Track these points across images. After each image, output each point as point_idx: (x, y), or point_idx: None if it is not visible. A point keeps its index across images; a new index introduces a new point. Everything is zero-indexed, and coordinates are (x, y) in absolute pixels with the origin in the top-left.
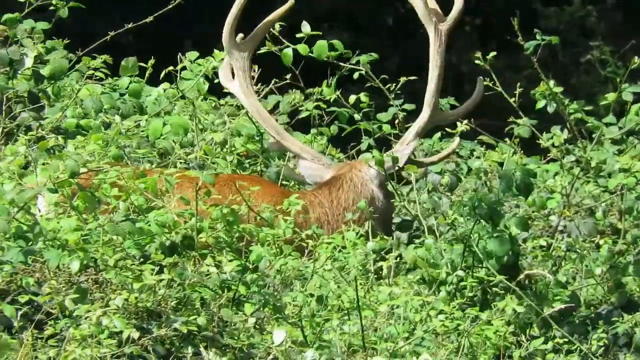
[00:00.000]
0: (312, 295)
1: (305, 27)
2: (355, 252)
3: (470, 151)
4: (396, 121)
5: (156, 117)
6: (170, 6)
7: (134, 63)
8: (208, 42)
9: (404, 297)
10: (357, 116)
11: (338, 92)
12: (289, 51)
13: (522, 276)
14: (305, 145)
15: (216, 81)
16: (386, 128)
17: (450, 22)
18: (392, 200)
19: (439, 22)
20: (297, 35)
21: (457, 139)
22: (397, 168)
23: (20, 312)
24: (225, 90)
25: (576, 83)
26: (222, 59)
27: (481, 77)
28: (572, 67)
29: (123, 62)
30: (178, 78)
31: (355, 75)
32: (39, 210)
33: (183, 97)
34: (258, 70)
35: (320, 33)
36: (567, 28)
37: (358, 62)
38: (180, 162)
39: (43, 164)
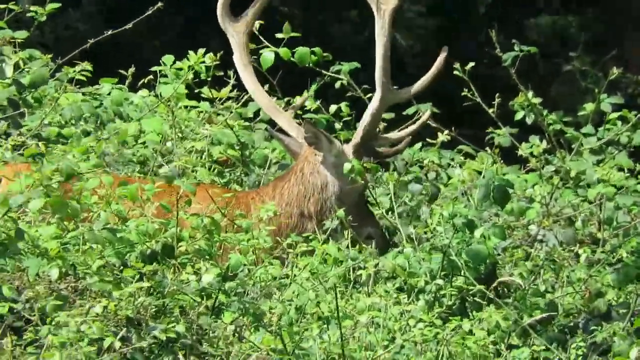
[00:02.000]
0: (290, 303)
1: (287, 28)
2: (336, 264)
3: (450, 160)
4: (377, 129)
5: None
6: (149, 12)
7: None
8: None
9: (384, 305)
10: (337, 125)
11: (318, 102)
12: (269, 55)
13: (495, 284)
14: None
15: (196, 90)
16: None
17: (396, 1)
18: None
19: (383, 2)
20: (278, 36)
21: (428, 112)
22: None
23: None
24: (203, 95)
25: (556, 94)
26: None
27: (445, 47)
28: (552, 78)
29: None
30: (157, 83)
31: (337, 85)
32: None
33: (163, 102)
34: (234, 76)
35: (300, 35)
36: (547, 39)
37: (339, 72)
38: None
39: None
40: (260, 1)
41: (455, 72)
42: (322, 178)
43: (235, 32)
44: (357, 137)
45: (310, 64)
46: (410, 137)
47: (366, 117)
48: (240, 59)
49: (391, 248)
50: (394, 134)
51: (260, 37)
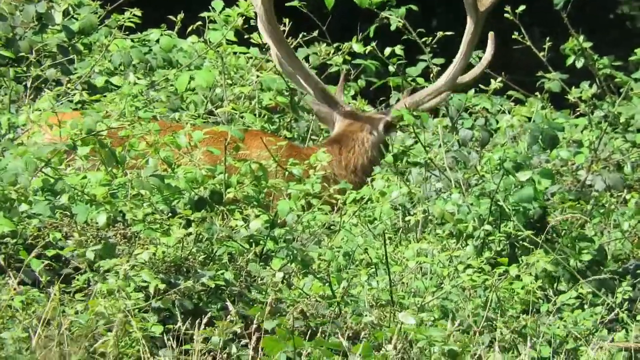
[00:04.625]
0: (339, 250)
1: None
2: (384, 203)
3: (500, 106)
4: (431, 75)
5: (184, 70)
6: None
7: None
8: None
9: (432, 250)
10: (391, 68)
11: (374, 44)
12: None
13: (553, 222)
14: (319, 82)
15: (246, 36)
16: (420, 81)
17: (491, 6)
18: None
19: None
20: None
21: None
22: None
23: (46, 267)
24: (253, 41)
25: (605, 38)
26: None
27: (492, 33)
28: (603, 22)
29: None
30: (206, 30)
31: (393, 27)
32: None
33: (212, 48)
34: (289, 24)
35: None
36: None
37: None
38: (209, 117)
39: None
40: None
41: (506, 15)
42: (375, 151)
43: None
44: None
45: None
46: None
47: (421, 95)
48: (260, 18)
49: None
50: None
51: None
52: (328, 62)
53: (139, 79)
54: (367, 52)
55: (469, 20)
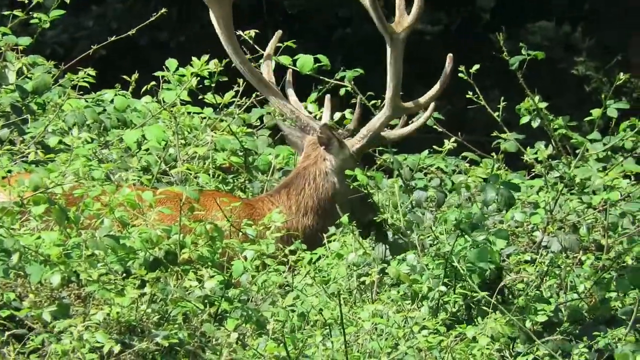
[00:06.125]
0: (293, 310)
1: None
2: (339, 265)
3: (455, 167)
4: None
5: (135, 129)
6: (153, 19)
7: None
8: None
9: (388, 311)
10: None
11: (321, 110)
12: (308, 58)
13: (503, 283)
14: (286, 105)
15: (200, 96)
16: None
17: (407, 29)
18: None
19: (395, 30)
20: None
21: (432, 106)
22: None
23: (0, 327)
24: (207, 101)
25: (560, 99)
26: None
27: (450, 55)
28: (556, 83)
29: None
30: (160, 89)
31: (341, 92)
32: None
33: (165, 108)
34: (243, 84)
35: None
36: (552, 44)
37: (343, 78)
38: (163, 177)
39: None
40: None
41: (460, 75)
42: (331, 186)
43: (219, 6)
44: (362, 141)
45: (313, 72)
46: (416, 127)
47: (373, 124)
48: (225, 36)
49: (403, 249)
50: (398, 131)
51: (257, 48)
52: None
53: (92, 139)
54: (315, 116)
55: (387, 48)
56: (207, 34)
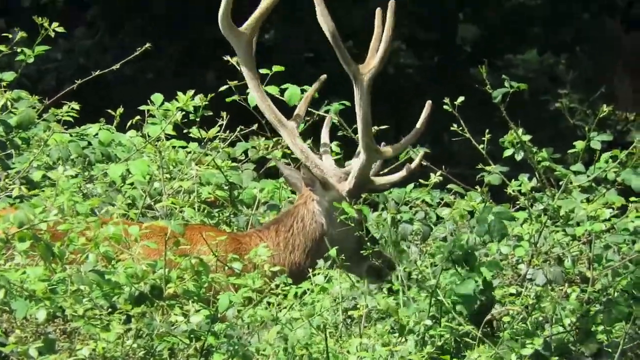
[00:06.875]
0: (280, 344)
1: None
2: (324, 298)
3: (440, 200)
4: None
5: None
6: (137, 53)
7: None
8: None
9: (373, 345)
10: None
11: (309, 141)
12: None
13: (489, 316)
14: (298, 144)
15: (185, 130)
16: None
17: (372, 69)
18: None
19: (360, 72)
20: (262, 71)
21: (421, 153)
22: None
23: None
24: (192, 136)
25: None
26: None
27: (429, 102)
28: (541, 116)
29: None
30: (145, 124)
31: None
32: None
33: (150, 142)
34: (226, 118)
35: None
36: (536, 76)
37: (329, 111)
38: (148, 212)
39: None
40: (264, 5)
41: (445, 107)
42: (319, 226)
43: (240, 42)
44: (350, 184)
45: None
46: (405, 174)
47: (355, 171)
48: (248, 72)
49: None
50: (387, 178)
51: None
52: (267, 157)
53: (77, 174)
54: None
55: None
56: (172, 69)
